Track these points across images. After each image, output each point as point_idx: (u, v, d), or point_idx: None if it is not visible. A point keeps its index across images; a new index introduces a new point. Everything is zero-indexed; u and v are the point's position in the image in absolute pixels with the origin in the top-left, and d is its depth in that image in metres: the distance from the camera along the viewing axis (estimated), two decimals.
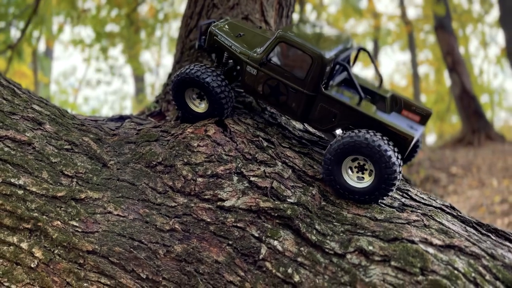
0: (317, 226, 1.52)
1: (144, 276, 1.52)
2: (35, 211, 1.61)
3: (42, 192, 1.64)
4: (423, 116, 1.69)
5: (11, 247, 1.60)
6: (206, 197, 1.60)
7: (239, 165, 1.64)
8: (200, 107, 1.84)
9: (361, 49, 1.82)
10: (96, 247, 1.55)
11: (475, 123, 10.76)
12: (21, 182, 1.64)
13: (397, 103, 1.71)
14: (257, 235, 1.52)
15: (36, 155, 1.71)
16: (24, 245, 1.59)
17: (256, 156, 1.67)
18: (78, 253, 1.55)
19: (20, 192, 1.63)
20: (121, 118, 2.07)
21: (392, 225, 1.48)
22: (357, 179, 1.56)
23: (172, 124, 1.89)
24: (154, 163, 1.70)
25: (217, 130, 1.74)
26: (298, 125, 2.00)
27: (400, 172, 1.49)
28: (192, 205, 1.59)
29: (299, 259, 1.47)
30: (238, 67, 1.83)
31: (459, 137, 11.34)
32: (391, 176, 1.47)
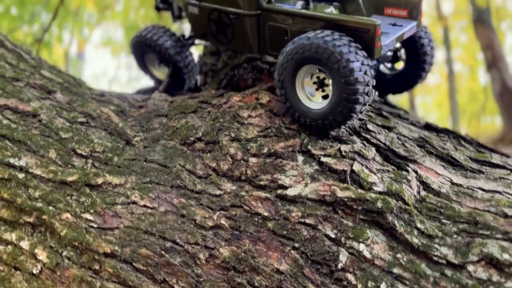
0: (419, 225, 1.08)
1: None
2: (39, 200, 1.24)
3: (48, 176, 1.27)
4: (410, 7, 1.34)
5: (9, 246, 1.24)
6: (261, 183, 1.19)
7: (304, 141, 1.23)
8: (164, 72, 1.68)
9: None
10: (116, 248, 1.16)
11: None
12: (22, 163, 1.28)
13: (375, 3, 1.40)
14: (333, 235, 1.10)
15: (42, 129, 1.34)
16: (24, 244, 1.23)
17: None
18: (93, 256, 1.17)
19: (21, 176, 1.27)
20: (150, 91, 1.68)
21: None
22: (315, 99, 1.22)
23: (213, 93, 1.50)
24: (192, 139, 1.30)
25: (272, 97, 1.33)
26: (373, 95, 1.58)
27: (366, 74, 1.10)
28: (243, 193, 1.18)
29: (395, 271, 1.04)
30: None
31: (500, 136, 10.70)
32: (350, 79, 1.08)
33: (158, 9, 1.72)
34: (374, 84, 1.15)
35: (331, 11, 1.29)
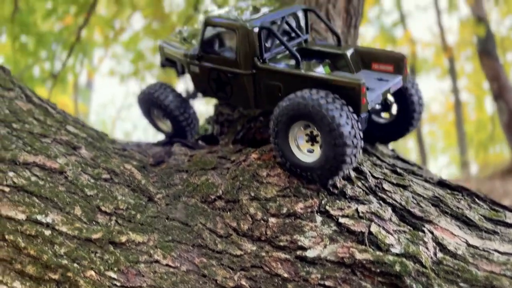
0: None
1: None
2: (65, 257, 1.27)
3: (73, 233, 1.31)
4: (396, 63, 1.43)
5: None
6: (281, 243, 1.22)
7: (323, 202, 1.26)
8: (168, 125, 1.77)
9: (307, 11, 1.57)
10: None
11: None
12: (49, 220, 1.32)
13: (363, 59, 1.49)
14: None
15: (68, 186, 1.39)
16: None
17: (344, 189, 1.29)
18: None
19: (47, 232, 1.31)
20: (169, 143, 1.74)
21: None
22: (307, 151, 1.29)
23: (231, 148, 1.55)
24: (213, 197, 1.34)
25: None
26: (386, 151, 1.62)
27: (355, 137, 1.18)
28: (264, 254, 1.21)
29: None
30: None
31: (509, 167, 10.63)
32: (339, 141, 1.17)
33: (163, 66, 1.84)
34: (362, 145, 1.23)
35: (320, 69, 1.40)
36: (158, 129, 1.81)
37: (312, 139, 1.28)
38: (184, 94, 1.72)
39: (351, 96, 1.22)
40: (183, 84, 1.80)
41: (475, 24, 10.28)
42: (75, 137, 1.56)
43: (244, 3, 1.60)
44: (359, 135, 1.19)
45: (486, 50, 10.85)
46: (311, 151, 1.29)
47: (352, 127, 1.17)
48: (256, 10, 1.50)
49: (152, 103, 1.69)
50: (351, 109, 1.20)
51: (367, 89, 1.28)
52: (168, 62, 1.80)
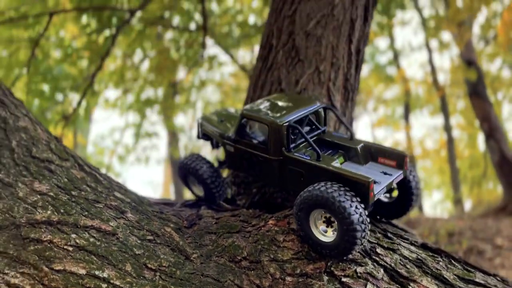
0: None
1: None
2: None
3: (125, 287, 1.60)
4: (398, 160, 1.73)
5: None
6: None
7: (329, 264, 1.58)
8: (201, 189, 2.09)
9: (326, 108, 1.92)
10: None
11: None
12: (105, 275, 1.62)
13: (371, 153, 1.79)
14: None
15: (120, 246, 1.70)
16: None
17: None
18: None
19: (104, 286, 1.60)
20: (197, 204, 2.06)
21: None
22: (325, 233, 1.58)
23: (251, 212, 1.87)
24: (239, 258, 1.65)
25: None
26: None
27: (363, 223, 1.47)
28: None
29: None
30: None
31: (501, 205, 10.90)
32: (350, 227, 1.45)
33: (199, 138, 2.18)
34: (369, 227, 1.53)
35: (336, 162, 1.69)
36: (192, 192, 2.14)
37: (328, 222, 1.57)
38: (215, 164, 2.05)
39: (361, 189, 1.52)
40: (214, 153, 2.14)
41: (465, 68, 10.82)
42: (122, 202, 1.87)
43: (261, 100, 1.93)
44: (366, 220, 1.48)
45: (477, 91, 11.35)
46: (325, 231, 1.57)
47: (361, 215, 1.47)
48: (275, 105, 1.84)
49: (189, 171, 2.02)
50: (359, 199, 1.49)
51: (374, 183, 1.57)
52: (204, 136, 2.16)
